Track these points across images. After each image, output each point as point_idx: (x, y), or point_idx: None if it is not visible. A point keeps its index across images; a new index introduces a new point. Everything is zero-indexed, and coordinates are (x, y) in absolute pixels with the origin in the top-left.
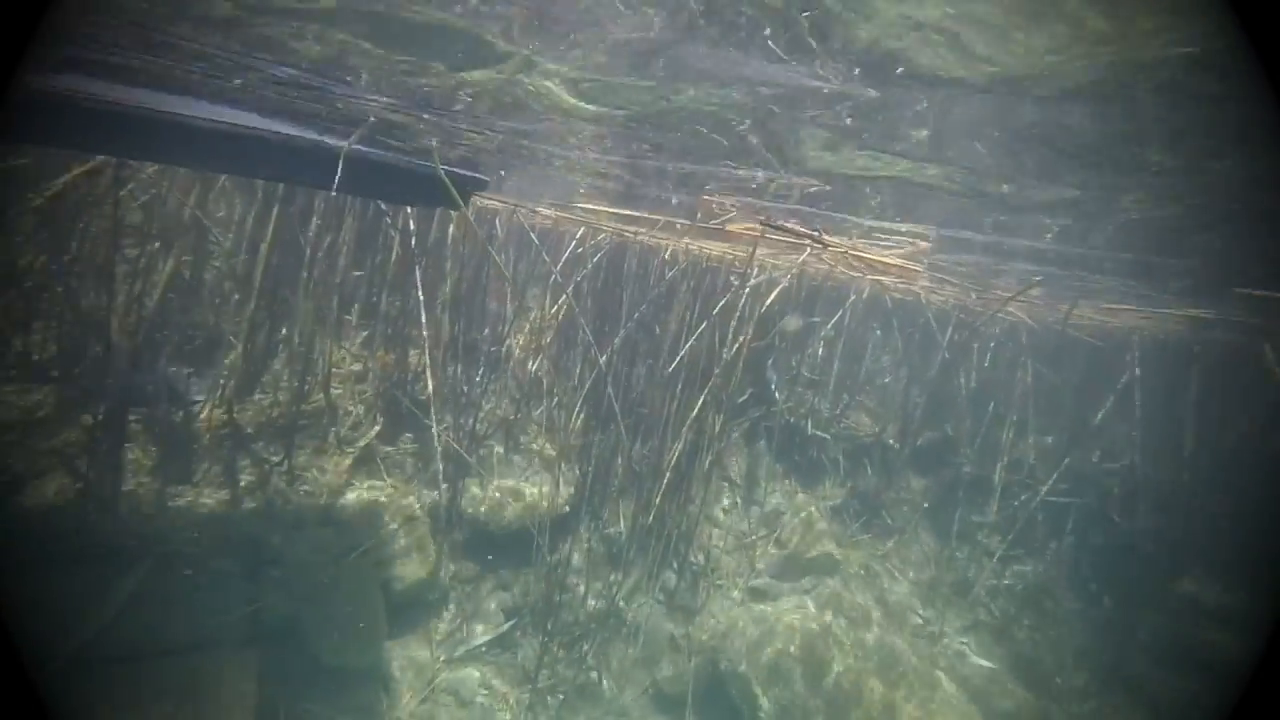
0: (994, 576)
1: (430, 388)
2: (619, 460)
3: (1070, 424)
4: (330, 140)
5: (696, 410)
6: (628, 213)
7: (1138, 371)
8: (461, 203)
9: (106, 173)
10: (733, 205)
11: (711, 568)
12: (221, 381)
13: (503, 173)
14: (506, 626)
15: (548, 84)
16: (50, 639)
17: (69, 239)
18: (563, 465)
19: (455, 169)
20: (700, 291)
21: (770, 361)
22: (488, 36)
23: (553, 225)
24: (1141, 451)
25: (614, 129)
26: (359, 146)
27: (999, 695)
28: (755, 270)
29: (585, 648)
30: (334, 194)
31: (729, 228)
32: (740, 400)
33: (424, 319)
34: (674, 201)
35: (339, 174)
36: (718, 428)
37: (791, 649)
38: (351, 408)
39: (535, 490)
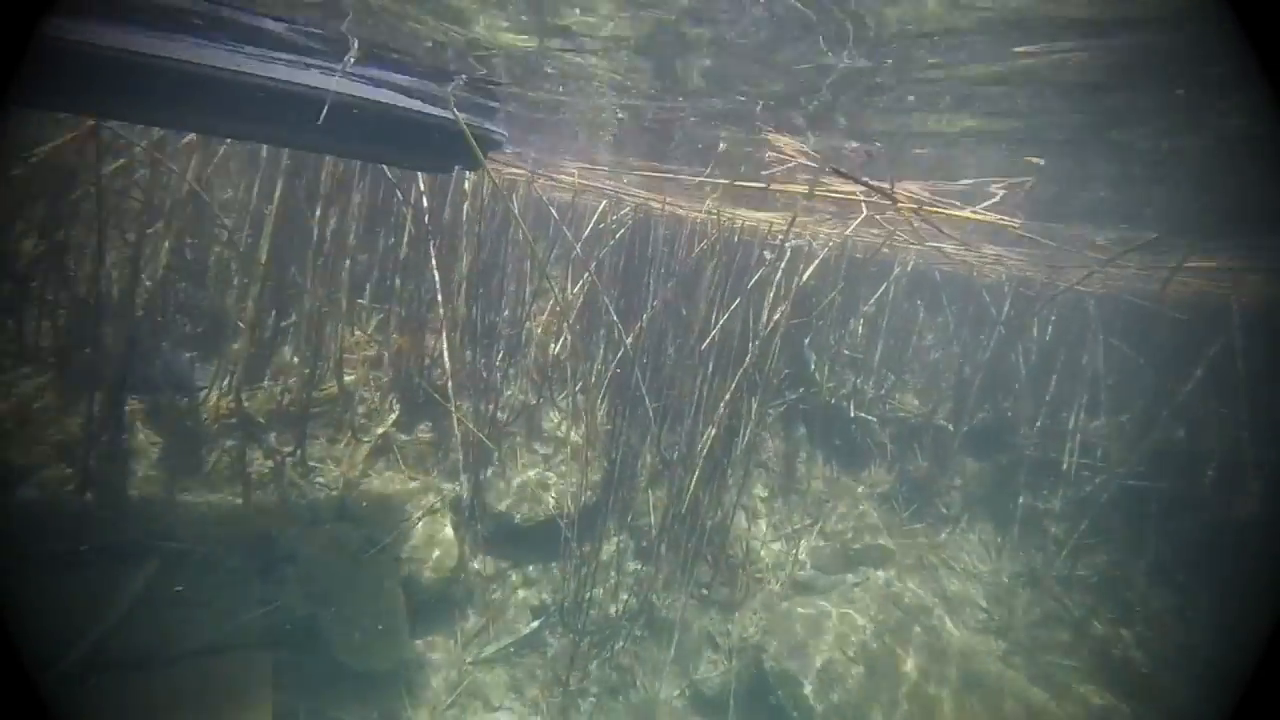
0: (1065, 567)
1: (448, 371)
2: (648, 447)
3: (1150, 402)
4: (319, 79)
5: (730, 393)
6: (661, 171)
7: (1239, 342)
8: (482, 156)
9: (95, 142)
10: (796, 153)
11: (750, 560)
12: (229, 368)
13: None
14: (534, 625)
15: None
16: (55, 644)
17: (61, 215)
18: (589, 453)
19: (474, 120)
20: (732, 266)
21: (808, 340)
22: None
23: (572, 199)
24: (1247, 430)
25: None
26: (357, 82)
27: (1078, 697)
28: (793, 241)
29: (617, 647)
30: (326, 152)
31: (777, 185)
32: (776, 382)
33: (440, 300)
34: (720, 147)
35: (326, 110)
36: (753, 411)
37: (845, 648)
38: (366, 395)
39: (560, 480)
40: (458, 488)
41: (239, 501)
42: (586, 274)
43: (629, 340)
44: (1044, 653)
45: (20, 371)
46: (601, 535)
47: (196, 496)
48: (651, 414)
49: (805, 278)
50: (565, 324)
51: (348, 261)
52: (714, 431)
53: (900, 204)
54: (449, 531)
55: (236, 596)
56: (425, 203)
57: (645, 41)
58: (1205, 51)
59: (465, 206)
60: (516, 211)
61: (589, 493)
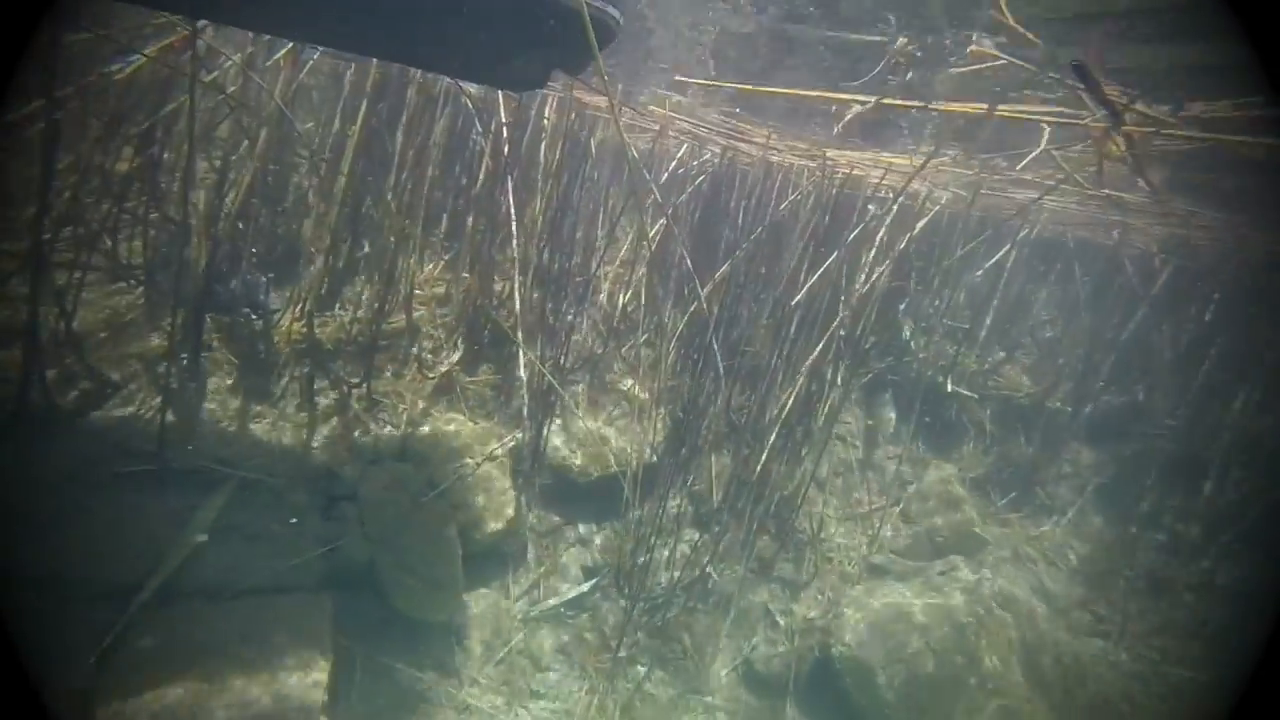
0: (1200, 574)
1: (516, 314)
2: (717, 409)
3: None
4: None
5: (813, 357)
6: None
7: None
8: (597, 47)
9: (191, 54)
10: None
11: (821, 538)
12: (303, 294)
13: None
14: (587, 587)
15: None
16: (136, 568)
17: (154, 131)
18: (655, 411)
19: None
20: (829, 220)
21: (903, 306)
22: None
23: (653, 146)
24: None
25: None
26: None
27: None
28: (909, 192)
29: (669, 616)
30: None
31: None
32: (865, 348)
33: (514, 239)
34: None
35: None
36: (838, 378)
37: (927, 640)
38: (433, 331)
39: (622, 436)
40: (519, 435)
41: (304, 433)
42: (663, 220)
43: (703, 293)
44: (1168, 664)
45: (115, 287)
46: (661, 497)
47: (265, 424)
48: (723, 373)
49: (917, 230)
50: (638, 273)
51: (424, 195)
52: (791, 397)
53: (1127, 127)
54: (506, 481)
55: (299, 532)
56: (505, 134)
57: None
58: None
59: (544, 146)
60: (593, 155)
61: (651, 453)
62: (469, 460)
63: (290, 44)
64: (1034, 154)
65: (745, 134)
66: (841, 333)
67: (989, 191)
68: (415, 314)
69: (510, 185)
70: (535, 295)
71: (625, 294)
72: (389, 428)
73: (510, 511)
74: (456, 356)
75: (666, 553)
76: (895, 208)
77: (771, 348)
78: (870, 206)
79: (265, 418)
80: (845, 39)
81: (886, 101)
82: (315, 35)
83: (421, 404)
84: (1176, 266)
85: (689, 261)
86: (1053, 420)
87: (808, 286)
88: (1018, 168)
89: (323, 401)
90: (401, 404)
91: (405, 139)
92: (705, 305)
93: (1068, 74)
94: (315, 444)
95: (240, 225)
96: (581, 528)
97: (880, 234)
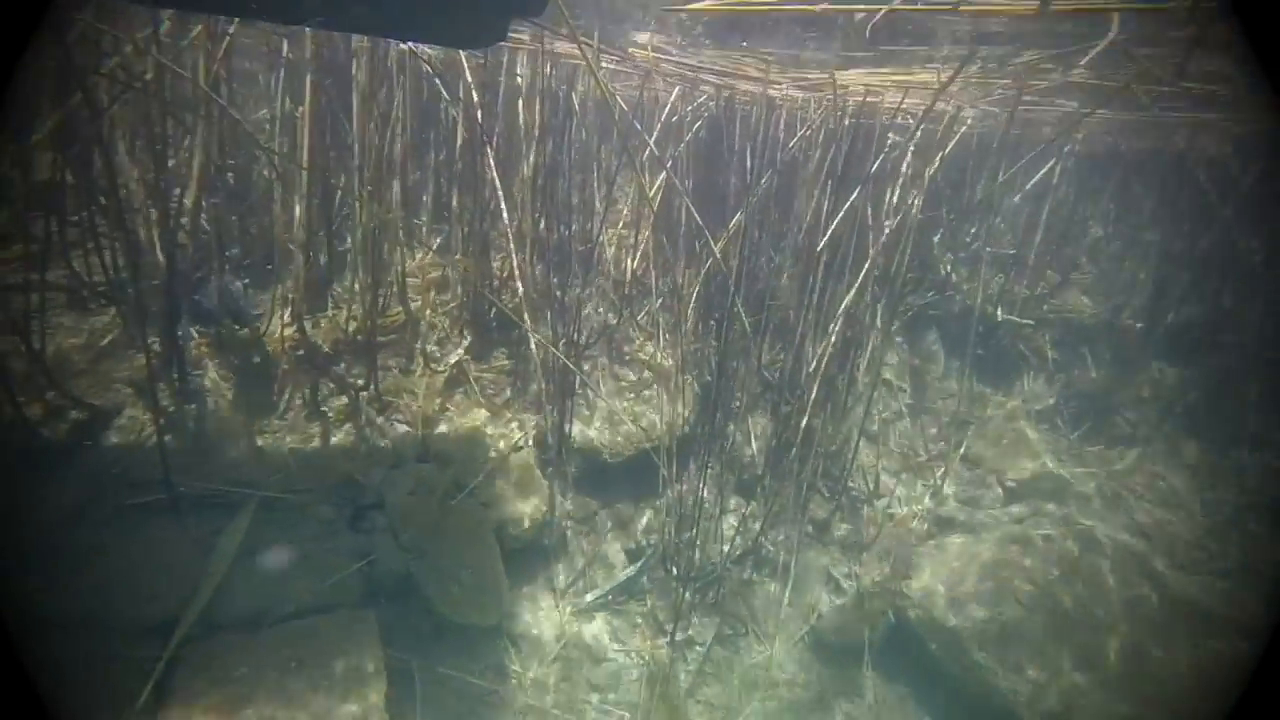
0: None
1: (520, 293)
2: (746, 367)
3: None
4: None
5: (846, 301)
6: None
7: None
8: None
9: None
10: None
11: (878, 493)
12: (287, 295)
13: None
14: (633, 570)
15: None
16: (166, 602)
17: (74, 132)
18: (679, 378)
19: None
20: (846, 154)
21: (937, 237)
22: None
23: (640, 92)
24: None
25: None
26: None
27: None
28: (934, 115)
29: (722, 591)
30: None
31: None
32: (901, 285)
33: (505, 213)
34: None
35: None
36: (877, 320)
37: (1017, 595)
38: (436, 322)
39: (649, 409)
40: (541, 420)
41: (318, 443)
42: (663, 173)
43: (717, 248)
44: None
45: (85, 310)
46: (699, 469)
47: (276, 438)
48: (749, 329)
49: (948, 151)
50: (642, 234)
51: (398, 175)
52: (827, 346)
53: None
54: (536, 471)
55: (331, 549)
56: (475, 99)
57: None
58: None
59: (520, 110)
60: (576, 106)
61: (681, 423)
62: (493, 453)
63: (200, 21)
64: (1099, 48)
65: (741, 68)
66: (875, 273)
67: (1030, 100)
68: (413, 305)
69: (490, 155)
70: (538, 270)
71: (633, 259)
72: (405, 428)
73: (543, 501)
74: (464, 345)
75: (712, 525)
76: (919, 132)
77: (800, 297)
78: (891, 135)
79: (273, 431)
80: None
81: (900, 8)
82: (240, 7)
83: (435, 400)
84: (1264, 168)
85: (696, 216)
86: (1123, 339)
87: (831, 229)
88: (1077, 66)
89: (330, 408)
90: (414, 402)
91: (361, 115)
92: (721, 261)
93: None
94: (331, 454)
95: (207, 228)
96: (620, 508)
97: (905, 163)
